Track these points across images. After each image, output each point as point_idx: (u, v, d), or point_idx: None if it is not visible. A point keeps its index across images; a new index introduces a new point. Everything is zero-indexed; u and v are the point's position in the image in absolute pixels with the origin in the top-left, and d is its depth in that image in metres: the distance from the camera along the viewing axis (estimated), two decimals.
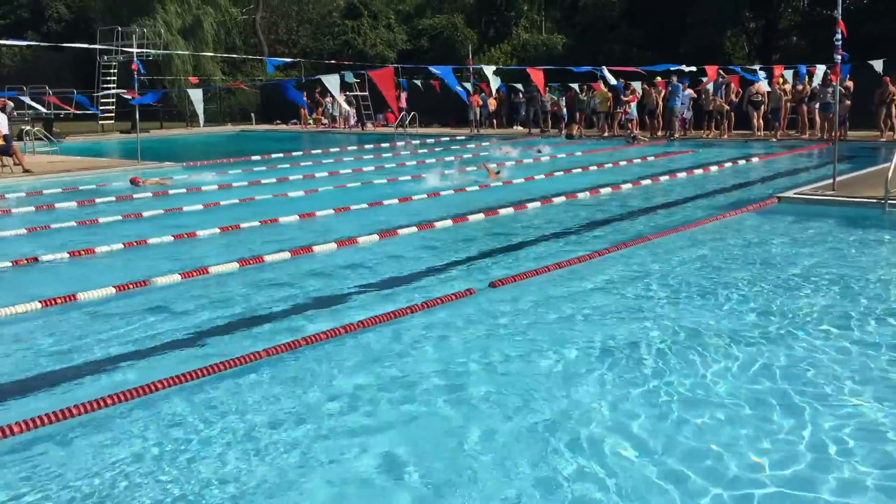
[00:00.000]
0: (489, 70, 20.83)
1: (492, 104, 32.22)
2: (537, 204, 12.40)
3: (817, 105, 23.08)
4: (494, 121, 33.02)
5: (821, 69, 19.84)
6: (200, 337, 6.32)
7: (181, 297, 7.47)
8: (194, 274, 8.20)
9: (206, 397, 5.12)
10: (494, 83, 22.55)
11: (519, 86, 31.17)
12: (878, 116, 22.21)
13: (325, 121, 37.41)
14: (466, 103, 28.86)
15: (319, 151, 24.39)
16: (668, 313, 6.56)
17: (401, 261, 8.88)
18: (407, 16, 47.23)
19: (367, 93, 35.75)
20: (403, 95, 33.09)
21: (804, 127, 23.81)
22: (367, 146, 26.04)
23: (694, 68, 22.27)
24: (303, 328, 6.41)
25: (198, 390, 5.21)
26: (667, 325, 6.26)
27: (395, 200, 13.12)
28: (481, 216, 11.43)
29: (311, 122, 38.12)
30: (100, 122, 36.07)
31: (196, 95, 18.89)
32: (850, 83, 21.65)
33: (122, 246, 9.67)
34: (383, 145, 26.24)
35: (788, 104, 23.79)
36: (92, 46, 25.94)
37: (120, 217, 12.05)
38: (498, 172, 16.70)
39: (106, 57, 36.23)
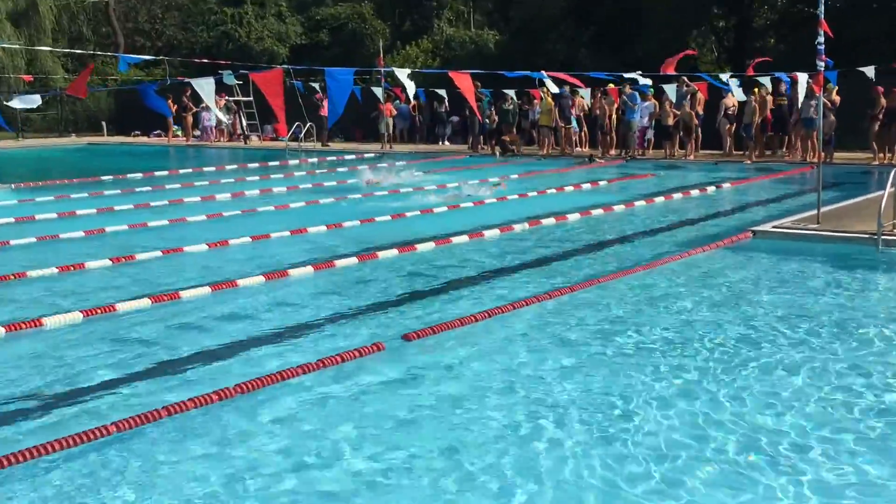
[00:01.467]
0: (404, 73, 21.14)
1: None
2: (464, 238, 12.53)
3: (793, 121, 24.06)
4: (418, 135, 33.37)
5: (802, 78, 20.67)
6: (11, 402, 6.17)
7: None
8: (21, 327, 8.00)
9: None
10: (410, 89, 22.88)
11: (443, 92, 31.61)
12: (870, 134, 23.19)
13: (198, 133, 37.15)
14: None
15: (190, 171, 24.16)
16: (616, 375, 6.69)
17: (292, 308, 8.86)
18: (302, 3, 47.37)
19: (251, 98, 35.69)
20: (326, 102, 32.74)
21: (789, 147, 24.74)
22: (251, 165, 25.94)
23: (647, 80, 23.04)
24: (146, 401, 6.23)
25: None
26: (615, 390, 6.38)
27: (286, 232, 13.09)
28: (394, 252, 11.49)
29: (179, 133, 37.77)
30: None
31: (25, 101, 18.46)
32: (836, 97, 22.62)
33: None
34: (271, 164, 26.19)
35: (767, 119, 24.70)
36: None
37: None
38: (497, 185, 16.96)
39: None
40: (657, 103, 26.35)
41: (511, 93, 28.19)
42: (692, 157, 25.56)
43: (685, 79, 25.77)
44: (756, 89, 24.51)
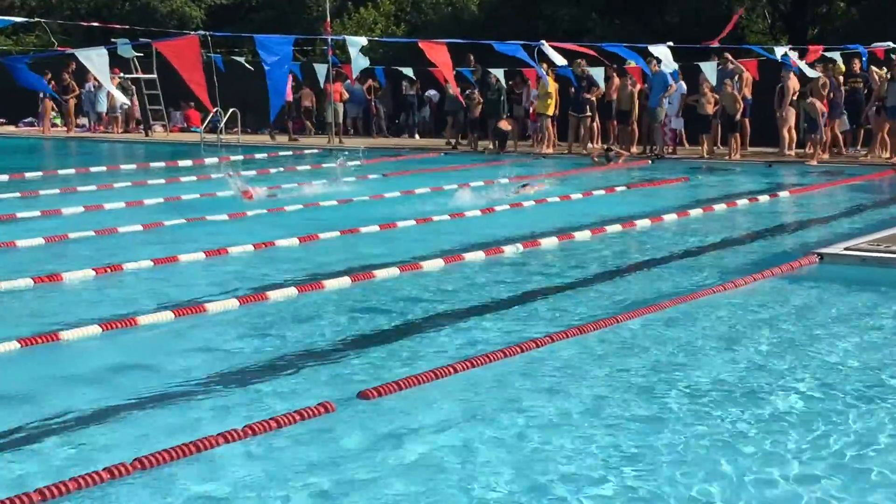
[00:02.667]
0: (355, 43, 21.04)
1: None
2: (438, 262, 12.51)
3: (873, 109, 24.28)
4: (375, 126, 33.48)
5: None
6: None
7: None
8: None
9: None
10: (358, 64, 22.71)
11: (409, 71, 31.66)
12: None
13: (84, 121, 37.03)
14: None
15: (72, 172, 24.01)
16: (639, 446, 6.65)
17: (210, 355, 8.78)
18: None
19: (155, 75, 35.55)
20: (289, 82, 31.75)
21: (869, 143, 24.93)
22: (154, 164, 25.83)
23: (670, 64, 23.08)
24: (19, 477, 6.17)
25: None
26: (649, 485, 6.34)
27: (200, 255, 13.01)
28: (346, 280, 11.45)
29: (58, 122, 37.62)
30: None
31: None
32: None
33: None
34: (182, 163, 26.11)
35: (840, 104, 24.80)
36: None
37: None
38: (524, 186, 17.43)
39: None
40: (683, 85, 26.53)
41: (499, 72, 28.25)
42: (737, 156, 25.71)
43: (728, 54, 25.95)
44: (828, 66, 24.62)
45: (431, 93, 32.90)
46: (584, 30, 33.14)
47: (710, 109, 26.05)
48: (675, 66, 25.49)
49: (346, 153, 24.03)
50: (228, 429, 6.78)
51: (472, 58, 29.81)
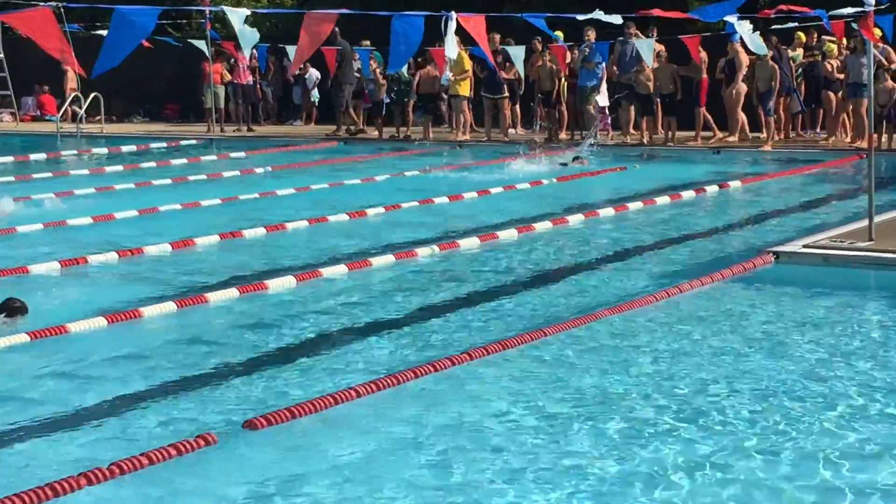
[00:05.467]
0: (237, 15, 20.76)
1: None
2: (341, 268, 12.54)
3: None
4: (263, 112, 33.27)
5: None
6: None
7: None
8: None
9: None
10: (248, 40, 22.51)
11: (290, 49, 31.44)
12: None
13: None
14: None
15: None
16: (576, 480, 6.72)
17: (72, 381, 8.72)
18: None
19: (1, 55, 35.04)
20: (242, 58, 30.84)
21: (829, 125, 25.29)
22: (1, 159, 25.43)
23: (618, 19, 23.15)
24: None
25: None
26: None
27: (55, 264, 12.89)
28: (232, 293, 11.42)
29: None
30: None
31: None
32: (892, 52, 23.13)
33: None
34: (34, 157, 25.82)
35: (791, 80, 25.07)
36: None
37: None
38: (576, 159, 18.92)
39: None
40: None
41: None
42: (685, 140, 26.01)
43: (632, 27, 25.89)
44: (773, 40, 24.88)
45: (313, 73, 32.56)
46: None
47: (650, 87, 26.20)
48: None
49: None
50: (92, 468, 6.72)
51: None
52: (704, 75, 25.49)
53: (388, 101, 29.59)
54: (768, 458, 6.77)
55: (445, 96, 29.08)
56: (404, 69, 27.78)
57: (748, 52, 24.39)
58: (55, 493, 6.38)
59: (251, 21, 22.63)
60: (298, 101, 33.58)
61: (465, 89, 27.98)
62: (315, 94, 33.10)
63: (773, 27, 25.17)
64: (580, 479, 6.51)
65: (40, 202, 18.55)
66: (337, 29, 25.84)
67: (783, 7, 23.81)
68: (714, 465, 6.66)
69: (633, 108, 26.66)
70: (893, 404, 7.76)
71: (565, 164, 21.63)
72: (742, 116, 25.76)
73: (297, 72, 31.04)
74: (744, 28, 23.75)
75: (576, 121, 27.50)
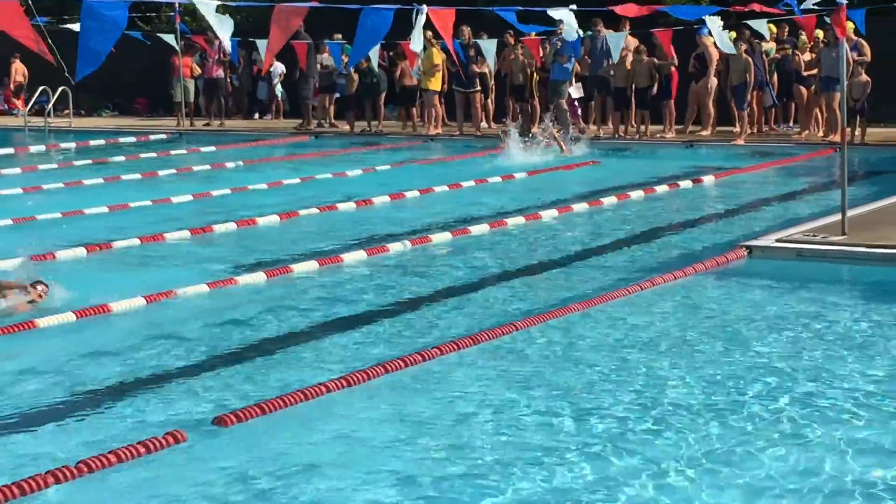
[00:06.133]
0: (211, 7, 20.65)
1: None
2: (311, 264, 12.52)
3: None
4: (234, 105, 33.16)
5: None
6: None
7: None
8: None
9: None
10: (223, 30, 22.40)
11: (259, 42, 31.31)
12: None
13: None
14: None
15: None
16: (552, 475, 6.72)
17: (39, 379, 8.67)
18: None
19: None
20: (212, 53, 31.12)
21: (802, 119, 25.36)
22: None
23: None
24: None
25: None
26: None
27: (27, 261, 12.76)
28: (202, 288, 11.38)
29: None
30: None
31: None
32: (866, 46, 23.21)
33: None
34: (1, 152, 25.66)
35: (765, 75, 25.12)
36: None
37: None
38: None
39: None
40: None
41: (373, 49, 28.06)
42: (655, 134, 26.05)
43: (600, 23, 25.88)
44: (746, 33, 24.91)
45: (278, 66, 32.33)
46: None
47: (627, 81, 26.12)
48: (580, 33, 25.50)
49: None
50: (59, 465, 6.69)
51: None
52: (674, 69, 25.51)
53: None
54: (744, 455, 6.79)
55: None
56: (374, 63, 27.67)
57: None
58: (22, 492, 6.35)
59: (222, 12, 22.53)
60: (263, 97, 33.44)
61: (435, 84, 27.93)
62: (279, 89, 32.98)
63: (745, 20, 25.13)
64: (548, 473, 6.52)
65: (8, 197, 18.49)
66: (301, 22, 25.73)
67: (756, 7, 23.91)
68: (692, 461, 6.67)
69: (607, 101, 26.67)
70: (866, 397, 7.77)
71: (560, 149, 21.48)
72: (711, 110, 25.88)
73: (270, 66, 30.93)
74: (714, 25, 23.85)
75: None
